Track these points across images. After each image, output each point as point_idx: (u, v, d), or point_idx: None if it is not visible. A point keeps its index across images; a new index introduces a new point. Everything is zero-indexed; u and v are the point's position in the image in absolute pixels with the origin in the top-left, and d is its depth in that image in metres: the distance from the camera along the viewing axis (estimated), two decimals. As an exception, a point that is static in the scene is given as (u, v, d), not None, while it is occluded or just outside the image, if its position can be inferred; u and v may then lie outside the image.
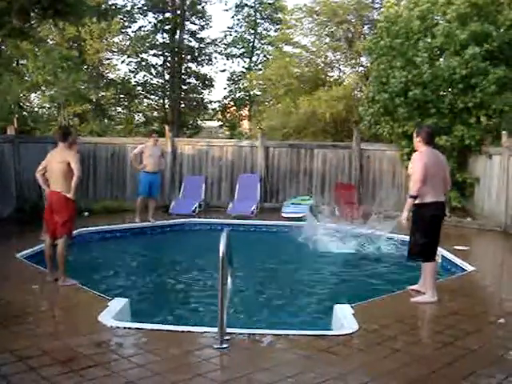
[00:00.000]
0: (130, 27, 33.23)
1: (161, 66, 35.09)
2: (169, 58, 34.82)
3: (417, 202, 6.73)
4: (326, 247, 10.86)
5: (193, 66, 35.88)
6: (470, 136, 13.71)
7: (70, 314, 6.42)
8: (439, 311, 6.60)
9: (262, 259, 10.37)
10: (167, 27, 34.34)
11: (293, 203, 14.68)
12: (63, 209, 7.39)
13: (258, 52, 37.71)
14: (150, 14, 34.15)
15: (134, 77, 33.78)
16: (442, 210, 6.95)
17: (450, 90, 13.97)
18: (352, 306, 6.39)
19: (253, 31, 37.33)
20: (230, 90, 37.65)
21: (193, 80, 36.08)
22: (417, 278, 7.24)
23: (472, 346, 5.32)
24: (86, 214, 13.56)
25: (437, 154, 7.06)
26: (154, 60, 34.72)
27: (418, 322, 6.14)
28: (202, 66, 36.11)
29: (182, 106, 35.31)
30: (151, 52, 34.32)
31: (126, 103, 32.48)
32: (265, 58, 35.45)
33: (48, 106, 24.03)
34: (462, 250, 10.06)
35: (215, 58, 36.85)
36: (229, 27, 37.55)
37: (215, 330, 5.21)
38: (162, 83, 35.30)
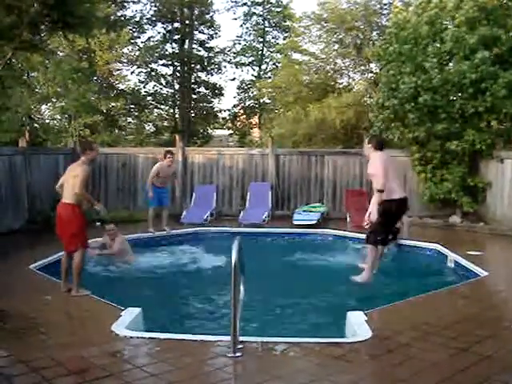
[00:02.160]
0: (139, 38, 33.46)
1: (170, 75, 35.26)
2: (178, 68, 34.97)
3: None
4: None
5: (202, 75, 36.04)
6: (481, 140, 13.65)
7: (83, 325, 6.44)
8: (453, 317, 6.56)
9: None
10: (176, 37, 34.53)
11: (304, 211, 14.67)
12: (71, 220, 7.44)
13: (267, 60, 37.81)
14: (159, 25, 34.41)
15: (144, 87, 34.01)
16: (398, 206, 7.91)
17: (460, 94, 13.92)
18: (365, 313, 6.37)
19: (261, 39, 37.45)
20: (240, 99, 37.77)
21: (202, 89, 36.21)
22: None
23: (486, 352, 5.29)
24: (98, 224, 13.57)
25: (388, 154, 8.23)
26: (163, 70, 34.97)
27: (431, 328, 6.10)
28: (212, 75, 36.28)
29: (192, 115, 35.43)
30: (161, 62, 34.54)
31: (136, 113, 32.58)
32: (274, 66, 35.57)
33: (59, 117, 24.12)
34: (474, 255, 10.01)
35: (224, 66, 37.07)
36: (237, 36, 37.83)
37: (228, 338, 5.20)
38: (171, 93, 35.45)
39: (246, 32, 37.69)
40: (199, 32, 35.41)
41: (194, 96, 35.66)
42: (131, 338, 5.64)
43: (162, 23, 34.43)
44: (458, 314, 6.66)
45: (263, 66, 37.94)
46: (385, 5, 23.41)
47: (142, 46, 33.43)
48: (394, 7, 17.43)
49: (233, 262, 5.12)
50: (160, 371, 4.81)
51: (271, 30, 37.74)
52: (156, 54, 33.73)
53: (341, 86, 24.29)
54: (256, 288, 6.97)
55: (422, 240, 11.68)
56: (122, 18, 30.97)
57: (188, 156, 16.33)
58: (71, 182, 7.47)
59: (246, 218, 14.24)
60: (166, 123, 35.28)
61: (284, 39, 34.72)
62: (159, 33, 34.54)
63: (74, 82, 20.55)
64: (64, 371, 4.76)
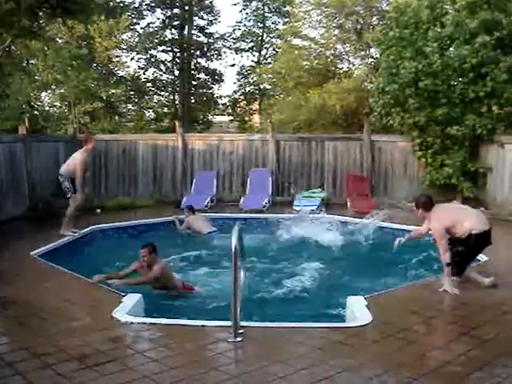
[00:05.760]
0: (138, 24, 33.41)
1: (170, 61, 35.18)
2: (178, 54, 34.90)
3: None
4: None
5: (202, 61, 35.98)
6: (482, 125, 13.62)
7: (84, 311, 6.46)
8: (453, 302, 6.58)
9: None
10: (176, 23, 34.44)
11: (304, 196, 14.67)
12: None
13: (267, 46, 37.65)
14: (158, 10, 34.30)
15: (144, 73, 33.96)
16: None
17: (460, 79, 13.88)
18: (365, 298, 6.39)
19: (261, 25, 37.25)
20: (240, 85, 37.66)
21: (202, 75, 36.16)
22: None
23: (486, 336, 5.31)
24: (99, 210, 13.59)
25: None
26: (163, 56, 34.90)
27: (432, 313, 6.12)
28: (212, 60, 36.19)
29: (193, 101, 35.38)
30: (160, 48, 34.44)
31: (136, 100, 32.58)
32: (274, 52, 35.38)
33: (59, 104, 24.10)
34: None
35: (224, 52, 36.97)
36: (237, 21, 37.55)
37: (229, 323, 5.22)
38: (171, 79, 35.39)
39: (246, 17, 37.51)
40: (199, 18, 35.31)
41: (194, 82, 35.60)
42: (132, 323, 5.66)
43: (162, 9, 34.30)
44: (458, 298, 6.67)
45: (263, 52, 37.80)
46: (385, -11, 23.28)
47: (141, 32, 33.38)
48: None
49: (233, 247, 5.13)
50: (161, 356, 4.83)
51: (271, 15, 37.51)
52: (155, 40, 33.65)
53: (341, 72, 24.20)
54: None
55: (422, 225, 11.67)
56: (121, 4, 30.86)
57: (188, 142, 16.31)
58: None
59: (246, 203, 14.25)
60: (166, 110, 35.25)
61: (284, 24, 34.49)
62: (158, 19, 34.49)
63: (73, 69, 20.50)
64: (66, 357, 4.78)
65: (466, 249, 6.92)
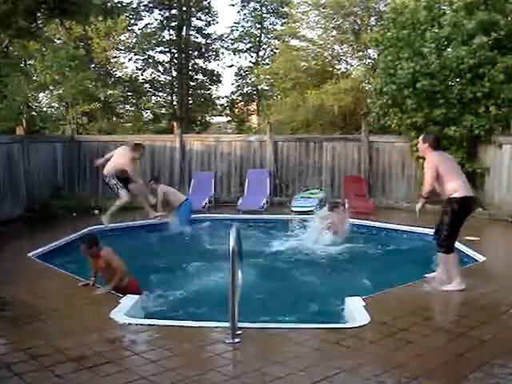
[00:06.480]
0: (136, 25, 33.45)
1: (168, 62, 35.19)
2: (176, 55, 34.91)
3: None
4: None
5: (200, 62, 36.00)
6: (480, 126, 13.60)
7: (82, 312, 6.43)
8: (451, 302, 6.58)
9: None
10: (173, 24, 34.43)
11: (302, 197, 14.65)
12: None
13: (265, 46, 37.67)
14: (156, 11, 34.29)
15: (142, 74, 34.02)
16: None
17: (458, 80, 13.86)
18: (363, 299, 6.38)
19: (259, 26, 37.25)
20: (238, 85, 37.65)
21: (200, 76, 36.16)
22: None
23: (484, 337, 5.31)
24: (96, 212, 13.51)
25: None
26: (161, 57, 34.94)
27: (430, 313, 6.12)
28: (209, 61, 36.22)
29: (190, 102, 35.38)
30: (158, 49, 34.48)
31: (134, 101, 32.57)
32: (272, 53, 35.40)
33: (56, 105, 24.11)
34: (473, 241, 10.00)
35: (222, 53, 36.97)
36: (235, 22, 37.56)
37: (227, 324, 5.21)
38: (169, 80, 35.41)
39: (244, 18, 37.52)
40: (196, 19, 35.30)
41: (192, 83, 35.61)
42: (130, 324, 5.65)
43: (159, 10, 34.31)
44: (456, 299, 6.67)
45: (261, 53, 37.81)
46: (382, -10, 23.31)
47: (139, 32, 33.39)
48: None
49: (231, 247, 5.12)
50: (159, 357, 4.82)
51: (269, 16, 37.52)
52: (153, 41, 33.66)
53: (339, 72, 24.22)
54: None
55: (420, 225, 11.68)
56: (119, 5, 30.79)
57: (186, 143, 16.29)
58: None
59: (244, 204, 14.24)
60: (163, 110, 35.25)
61: (282, 25, 34.52)
62: (156, 19, 34.50)
63: (71, 70, 20.50)
64: (63, 358, 4.77)
65: (450, 216, 7.11)
